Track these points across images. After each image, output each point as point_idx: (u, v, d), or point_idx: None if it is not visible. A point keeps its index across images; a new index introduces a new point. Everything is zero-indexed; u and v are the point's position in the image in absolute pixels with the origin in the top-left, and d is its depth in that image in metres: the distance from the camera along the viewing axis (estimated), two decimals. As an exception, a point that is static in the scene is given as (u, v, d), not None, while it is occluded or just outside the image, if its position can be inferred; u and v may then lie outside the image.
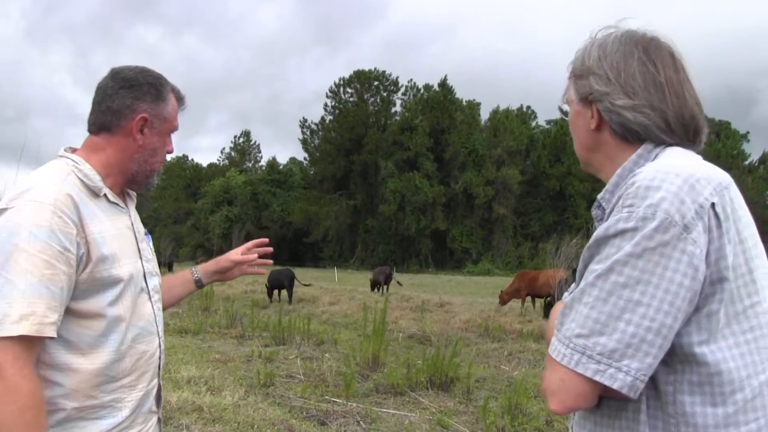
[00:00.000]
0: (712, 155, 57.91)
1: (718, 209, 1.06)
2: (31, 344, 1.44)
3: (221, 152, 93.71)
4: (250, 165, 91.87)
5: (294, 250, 71.66)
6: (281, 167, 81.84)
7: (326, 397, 6.43)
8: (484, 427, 5.36)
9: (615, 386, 1.04)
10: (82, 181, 1.63)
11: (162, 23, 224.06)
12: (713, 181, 1.09)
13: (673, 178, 1.07)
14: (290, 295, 18.51)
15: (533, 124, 73.34)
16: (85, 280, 1.56)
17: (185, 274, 2.17)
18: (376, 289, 23.13)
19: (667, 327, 1.03)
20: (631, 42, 1.25)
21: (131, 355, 1.68)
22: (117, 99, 1.70)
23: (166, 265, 43.28)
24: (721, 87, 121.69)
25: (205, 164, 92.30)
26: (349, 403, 6.16)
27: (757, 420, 1.05)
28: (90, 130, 1.74)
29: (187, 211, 78.26)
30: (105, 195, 1.69)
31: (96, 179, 1.66)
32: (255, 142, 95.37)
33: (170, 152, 1.84)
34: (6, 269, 1.43)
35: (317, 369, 7.69)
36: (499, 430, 5.30)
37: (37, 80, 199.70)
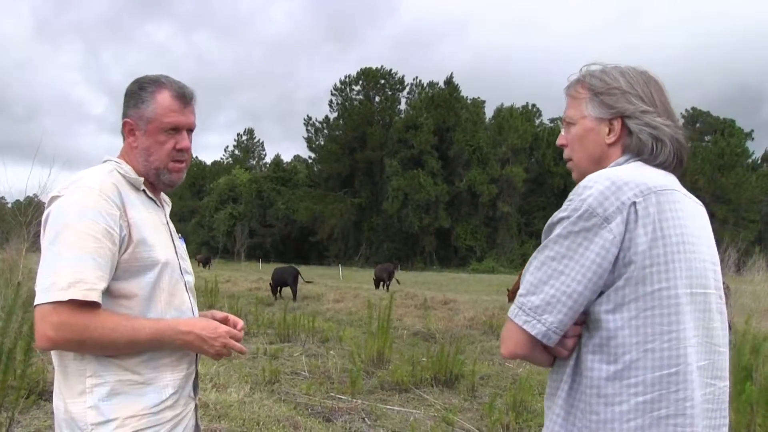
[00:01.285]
0: (716, 153, 57.92)
1: (639, 207, 1.33)
2: (78, 310, 1.57)
3: (225, 150, 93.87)
4: (255, 163, 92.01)
5: (299, 248, 71.81)
6: (286, 165, 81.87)
7: (331, 393, 6.45)
8: (489, 423, 5.37)
9: (533, 333, 1.37)
10: (123, 176, 1.82)
11: (173, 21, 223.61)
12: (641, 186, 1.36)
13: (603, 181, 1.36)
14: (294, 292, 18.53)
15: (537, 122, 73.24)
16: (126, 260, 1.70)
17: None
18: (380, 286, 23.53)
19: (577, 293, 1.34)
20: (640, 73, 1.53)
21: None
22: (124, 110, 1.89)
23: (202, 262, 43.26)
24: (732, 85, 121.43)
25: (209, 162, 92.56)
26: (354, 400, 6.18)
27: (637, 377, 1.32)
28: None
29: (191, 208, 78.48)
30: (144, 190, 1.86)
31: (134, 174, 1.85)
32: (259, 139, 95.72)
33: (181, 149, 1.89)
34: (56, 244, 1.61)
35: (322, 366, 7.70)
36: (504, 427, 5.31)
37: (47, 79, 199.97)
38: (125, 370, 1.68)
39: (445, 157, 66.39)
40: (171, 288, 1.81)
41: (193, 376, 1.89)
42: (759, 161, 70.55)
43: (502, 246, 63.22)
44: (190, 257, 2.01)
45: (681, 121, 1.54)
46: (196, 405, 1.92)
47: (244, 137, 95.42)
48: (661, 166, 1.48)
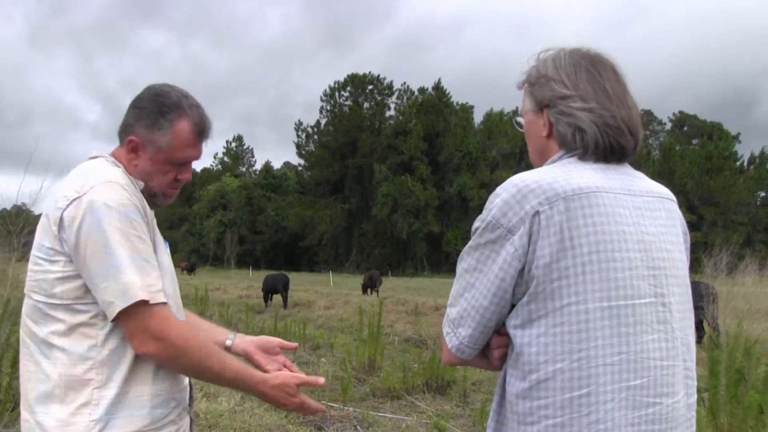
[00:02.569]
0: (704, 156, 58.42)
1: (543, 217, 1.22)
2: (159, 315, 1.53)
3: (214, 157, 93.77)
4: (244, 170, 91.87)
5: (289, 255, 71.73)
6: (276, 171, 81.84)
7: (323, 401, 6.40)
8: (481, 429, 5.35)
9: (449, 346, 1.36)
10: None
11: (168, 27, 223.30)
12: (549, 192, 1.24)
13: (510, 188, 1.27)
14: (285, 299, 18.49)
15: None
16: None
17: (216, 332, 2.03)
18: (367, 292, 24.28)
19: (483, 308, 1.29)
20: (578, 56, 1.39)
21: None
22: (127, 115, 1.73)
23: (187, 269, 43.20)
24: (725, 88, 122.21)
25: (199, 169, 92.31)
26: (346, 408, 6.15)
27: (546, 398, 1.22)
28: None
29: (181, 216, 78.21)
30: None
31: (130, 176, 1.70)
32: (248, 146, 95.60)
33: (181, 180, 1.79)
34: (109, 246, 1.49)
35: (313, 374, 7.65)
36: (497, 433, 5.29)
37: (40, 85, 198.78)
38: (132, 382, 1.58)
39: (435, 162, 66.55)
40: (174, 290, 1.74)
41: (188, 388, 1.81)
42: (746, 164, 71.05)
43: (492, 251, 63.27)
44: (174, 265, 1.92)
45: (634, 107, 1.37)
46: (191, 419, 1.83)
47: (233, 144, 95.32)
48: (599, 158, 1.33)
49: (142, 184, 1.70)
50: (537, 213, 1.23)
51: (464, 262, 1.34)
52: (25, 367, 1.62)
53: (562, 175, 1.28)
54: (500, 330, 1.34)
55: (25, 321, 1.63)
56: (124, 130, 1.72)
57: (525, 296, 1.25)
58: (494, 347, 1.36)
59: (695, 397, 1.35)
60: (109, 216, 1.50)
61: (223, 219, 73.88)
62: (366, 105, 73.06)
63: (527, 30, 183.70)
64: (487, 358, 1.39)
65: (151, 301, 1.49)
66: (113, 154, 1.74)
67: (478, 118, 72.66)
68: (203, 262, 69.45)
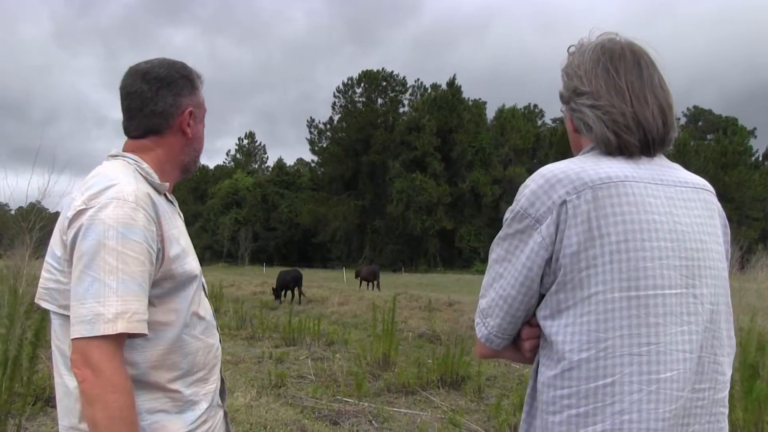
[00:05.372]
0: (718, 152, 57.80)
1: (570, 206, 1.23)
2: (122, 342, 1.44)
3: (227, 154, 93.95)
4: (256, 166, 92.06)
5: (302, 251, 71.88)
6: (289, 168, 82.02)
7: (338, 397, 6.44)
8: (496, 425, 5.35)
9: (479, 336, 1.38)
10: (145, 179, 1.62)
11: (193, 24, 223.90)
12: (577, 181, 1.25)
13: (538, 179, 1.29)
14: (300, 295, 18.56)
15: (539, 122, 73.20)
16: (162, 278, 1.55)
17: None
18: (367, 287, 25.39)
19: (511, 297, 1.31)
20: (600, 50, 1.38)
21: (204, 348, 1.69)
22: (159, 101, 1.68)
23: None
24: (752, 82, 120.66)
25: (212, 166, 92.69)
26: (361, 403, 6.17)
27: (570, 387, 1.23)
28: (133, 135, 1.71)
29: (195, 213, 78.51)
30: (164, 194, 1.69)
31: (157, 178, 1.65)
32: (260, 143, 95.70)
33: None
34: (93, 268, 1.41)
35: (328, 369, 7.69)
36: (512, 428, 5.29)
37: (66, 83, 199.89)
38: (161, 389, 1.56)
39: (448, 158, 66.38)
40: (201, 296, 1.72)
41: (220, 383, 1.82)
42: (761, 159, 70.36)
43: (505, 247, 63.03)
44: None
45: (657, 101, 1.34)
46: (225, 412, 1.85)
47: (246, 141, 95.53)
48: (620, 153, 1.32)
49: (165, 184, 1.66)
50: (564, 202, 1.24)
51: (494, 253, 1.36)
52: (55, 377, 1.62)
53: (590, 165, 1.29)
54: (531, 321, 1.35)
55: (51, 331, 1.63)
56: (166, 112, 1.69)
57: (553, 286, 1.26)
58: (525, 338, 1.37)
59: (725, 393, 1.32)
60: (106, 236, 1.43)
61: (238, 216, 74.12)
62: (380, 101, 72.99)
63: (553, 27, 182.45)
64: (518, 350, 1.41)
65: (130, 331, 1.41)
66: (137, 149, 1.69)
67: (490, 114, 72.39)
68: (217, 258, 69.72)
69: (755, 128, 71.71)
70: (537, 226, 1.26)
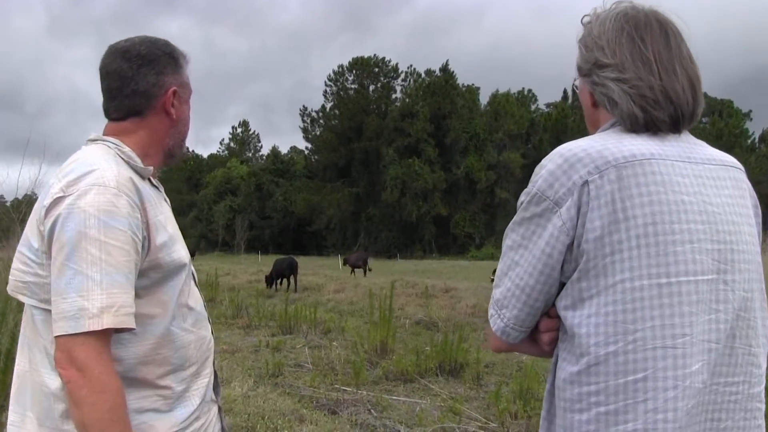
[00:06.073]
0: (714, 134, 57.91)
1: (592, 186, 1.13)
2: (109, 338, 1.35)
3: (221, 143, 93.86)
4: (250, 155, 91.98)
5: (297, 239, 71.93)
6: (283, 156, 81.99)
7: (336, 385, 6.39)
8: (496, 413, 5.31)
9: (494, 329, 1.28)
10: (127, 163, 1.52)
11: (187, 13, 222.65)
12: (599, 160, 1.15)
13: (556, 158, 1.19)
14: (295, 283, 18.54)
15: (533, 107, 73.12)
16: (149, 268, 1.46)
17: None
18: (353, 273, 26.14)
19: (529, 287, 1.20)
20: (623, 18, 1.27)
21: (195, 341, 1.60)
22: (140, 80, 1.58)
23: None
24: (750, 65, 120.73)
25: (206, 155, 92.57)
26: (359, 391, 6.13)
27: (597, 383, 1.13)
28: (113, 117, 1.61)
29: (189, 202, 78.41)
30: (149, 179, 1.59)
31: (139, 162, 1.55)
32: (254, 132, 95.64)
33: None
34: (74, 260, 1.31)
35: (325, 357, 7.65)
36: (512, 415, 5.26)
37: (60, 75, 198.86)
38: (150, 386, 1.48)
39: (442, 144, 66.28)
40: (191, 286, 1.63)
41: (212, 378, 1.72)
42: (757, 142, 70.47)
43: (500, 232, 62.44)
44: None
45: (685, 73, 1.24)
46: (219, 407, 1.77)
47: (239, 129, 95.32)
48: (645, 130, 1.23)
49: (148, 168, 1.57)
50: (586, 183, 1.14)
51: (508, 239, 1.26)
52: (29, 373, 1.50)
53: (613, 142, 1.19)
54: (549, 312, 1.25)
55: (24, 326, 1.53)
56: (148, 93, 1.59)
57: (575, 273, 1.16)
58: (543, 330, 1.27)
59: (761, 387, 1.22)
60: (87, 225, 1.33)
61: (232, 204, 74.06)
62: (372, 88, 72.76)
63: (548, 12, 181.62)
64: (536, 343, 1.31)
65: (117, 326, 1.32)
66: (118, 133, 1.60)
67: (484, 99, 72.24)
68: (212, 247, 69.70)
69: (750, 110, 71.77)
70: (556, 209, 1.16)
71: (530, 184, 1.22)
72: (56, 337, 1.32)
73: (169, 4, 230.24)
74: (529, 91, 73.93)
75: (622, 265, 1.12)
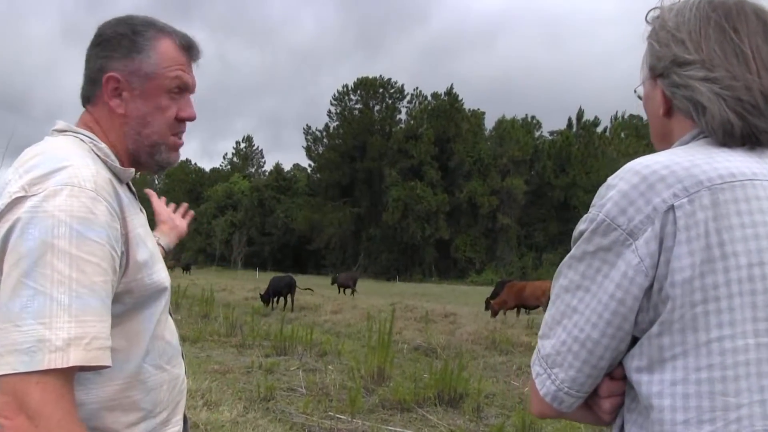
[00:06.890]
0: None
1: (680, 213, 0.86)
2: (72, 377, 1.06)
3: (224, 157, 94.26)
4: (253, 170, 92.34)
5: (297, 257, 71.84)
6: (286, 173, 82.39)
7: (329, 413, 6.11)
8: (498, 449, 5.04)
9: (541, 393, 0.99)
10: (104, 162, 1.24)
11: (202, 26, 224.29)
12: (688, 180, 0.88)
13: (631, 176, 0.92)
14: (292, 302, 18.28)
15: (537, 134, 73.32)
16: (124, 292, 1.19)
17: None
18: (342, 292, 26.48)
19: (592, 341, 0.93)
20: (708, 6, 1.01)
21: (169, 382, 1.33)
22: (91, 62, 1.32)
23: (183, 267, 43.39)
24: None
25: (208, 169, 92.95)
26: (354, 420, 5.85)
27: None
28: (82, 104, 1.36)
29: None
30: (127, 183, 1.32)
31: (117, 160, 1.28)
32: (258, 147, 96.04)
33: (184, 119, 1.37)
34: (35, 277, 1.02)
35: (320, 382, 7.37)
36: (514, 452, 4.99)
37: (70, 81, 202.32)
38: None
39: (445, 167, 66.41)
40: (167, 317, 1.36)
41: (183, 426, 1.43)
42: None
43: (501, 258, 63.03)
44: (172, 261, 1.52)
45: None
46: None
47: (243, 145, 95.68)
48: (745, 143, 0.96)
49: (130, 171, 1.30)
50: (671, 208, 0.87)
51: (564, 278, 0.97)
52: None
53: (702, 158, 0.92)
54: (613, 373, 0.98)
55: None
56: (94, 78, 1.31)
57: (654, 326, 0.89)
58: (604, 395, 1.00)
59: None
60: (55, 234, 1.05)
61: (233, 219, 74.07)
62: (376, 108, 73.05)
63: (559, 40, 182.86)
64: (592, 411, 1.03)
65: (87, 363, 1.04)
66: (87, 126, 1.32)
67: (489, 124, 72.45)
68: (210, 262, 69.53)
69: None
70: (630, 242, 0.89)
71: (594, 209, 0.95)
72: (0, 376, 1.01)
73: (184, 14, 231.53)
74: (533, 117, 74.08)
75: (719, 318, 0.86)
